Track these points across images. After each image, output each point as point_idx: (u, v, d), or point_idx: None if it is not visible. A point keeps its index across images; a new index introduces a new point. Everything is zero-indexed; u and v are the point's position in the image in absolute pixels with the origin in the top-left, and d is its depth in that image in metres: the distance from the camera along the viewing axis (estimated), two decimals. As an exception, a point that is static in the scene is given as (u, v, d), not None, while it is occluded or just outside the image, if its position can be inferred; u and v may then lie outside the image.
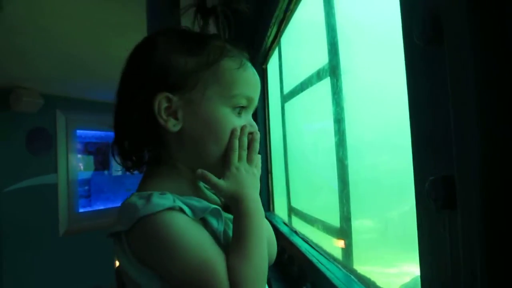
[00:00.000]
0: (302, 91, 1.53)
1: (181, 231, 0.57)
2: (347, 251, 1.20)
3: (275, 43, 2.03)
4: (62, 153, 4.75)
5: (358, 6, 1.21)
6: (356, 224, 1.18)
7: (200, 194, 0.70)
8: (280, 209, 2.11)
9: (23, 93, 3.97)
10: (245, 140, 0.68)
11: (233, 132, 0.67)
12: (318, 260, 1.27)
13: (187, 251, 0.57)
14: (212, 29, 0.73)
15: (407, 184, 0.58)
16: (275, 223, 1.87)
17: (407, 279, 0.98)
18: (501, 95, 0.40)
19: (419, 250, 0.55)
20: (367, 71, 1.15)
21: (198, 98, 0.65)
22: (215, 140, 0.66)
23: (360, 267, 1.11)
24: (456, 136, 0.43)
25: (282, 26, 1.81)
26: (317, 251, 1.38)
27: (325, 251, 1.34)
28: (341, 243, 1.24)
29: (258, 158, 0.71)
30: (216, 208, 0.62)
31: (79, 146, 5.14)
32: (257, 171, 0.70)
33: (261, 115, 2.28)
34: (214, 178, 0.65)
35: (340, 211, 1.23)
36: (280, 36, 1.90)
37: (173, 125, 0.65)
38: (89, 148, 5.38)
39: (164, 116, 0.64)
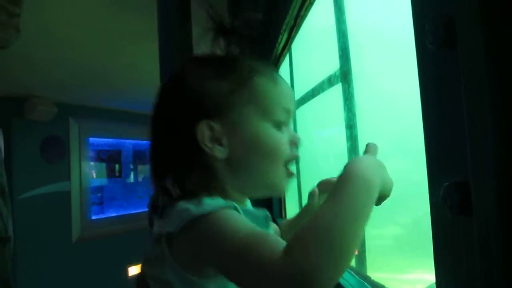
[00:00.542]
0: (313, 97, 1.52)
1: (237, 224, 0.55)
2: (360, 257, 1.19)
3: (286, 50, 2.03)
4: (75, 160, 4.80)
5: (369, 11, 1.20)
6: (369, 230, 1.17)
7: None
8: (292, 215, 2.10)
9: (37, 101, 4.03)
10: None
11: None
12: (331, 267, 1.26)
13: (242, 230, 0.53)
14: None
15: (421, 190, 0.57)
16: (287, 229, 1.86)
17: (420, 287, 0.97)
18: (516, 99, 0.40)
19: (434, 257, 0.54)
20: (379, 77, 1.15)
21: (238, 120, 0.64)
22: (265, 158, 0.65)
23: (374, 274, 1.10)
24: (471, 141, 0.43)
25: (293, 33, 1.81)
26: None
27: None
28: (354, 250, 1.23)
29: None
30: (267, 215, 0.61)
31: (91, 153, 5.19)
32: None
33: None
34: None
35: (353, 217, 1.22)
36: (291, 42, 1.90)
37: (219, 152, 0.64)
38: (102, 156, 5.43)
39: (209, 144, 0.63)
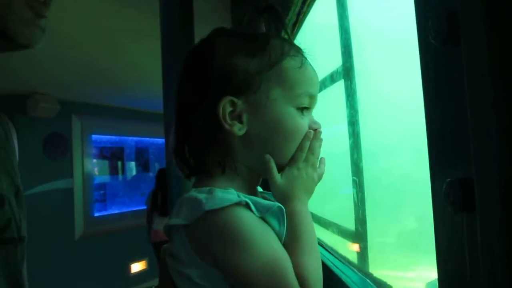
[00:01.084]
0: (315, 94, 1.51)
1: (250, 228, 0.57)
2: (363, 254, 1.19)
3: (288, 46, 2.02)
4: (77, 158, 4.82)
5: (371, 8, 1.20)
6: (372, 227, 1.17)
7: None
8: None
9: (40, 98, 4.05)
10: (316, 145, 0.68)
11: (307, 134, 0.66)
12: (333, 264, 1.26)
13: (258, 248, 0.56)
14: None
15: (424, 186, 0.57)
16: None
17: (419, 285, 0.97)
18: (520, 95, 0.39)
19: (437, 254, 0.54)
20: (382, 73, 1.15)
21: (262, 100, 0.64)
22: (283, 141, 0.66)
23: (376, 271, 1.10)
24: (474, 137, 0.43)
25: (295, 29, 1.81)
26: (332, 254, 1.37)
27: (340, 255, 1.33)
28: (356, 247, 1.23)
29: (322, 165, 0.70)
30: (280, 207, 0.61)
31: (94, 150, 5.20)
32: (317, 178, 0.69)
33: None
34: (274, 169, 0.65)
35: (355, 214, 1.22)
36: (293, 39, 1.89)
37: (238, 129, 0.64)
38: (104, 153, 5.45)
39: (229, 121, 0.63)
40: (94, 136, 5.14)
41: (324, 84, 1.42)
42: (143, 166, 6.09)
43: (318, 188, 0.69)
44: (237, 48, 0.65)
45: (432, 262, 0.55)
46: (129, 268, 5.34)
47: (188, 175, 0.71)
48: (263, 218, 0.60)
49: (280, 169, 0.66)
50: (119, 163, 5.69)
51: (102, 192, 5.33)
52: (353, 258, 1.24)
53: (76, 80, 3.76)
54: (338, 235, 1.41)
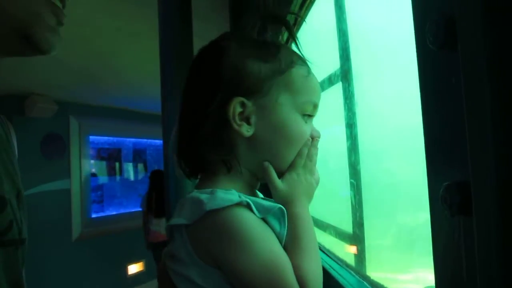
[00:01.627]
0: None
1: (250, 228, 0.57)
2: (360, 257, 1.19)
3: (286, 48, 2.02)
4: (75, 158, 4.81)
5: (370, 11, 1.20)
6: (369, 229, 1.17)
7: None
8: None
9: (37, 99, 4.04)
10: (314, 153, 0.70)
11: (306, 141, 0.69)
12: (330, 266, 1.27)
13: (257, 249, 0.57)
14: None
15: (421, 189, 0.57)
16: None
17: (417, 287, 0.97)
18: (516, 100, 0.40)
19: (434, 256, 0.54)
20: (380, 76, 1.15)
21: (271, 104, 0.66)
22: (287, 145, 0.67)
23: (373, 274, 1.10)
24: (471, 141, 0.43)
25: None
26: (329, 257, 1.37)
27: (337, 257, 1.33)
28: (353, 249, 1.23)
29: (317, 172, 0.72)
30: (281, 208, 0.62)
31: (92, 151, 5.19)
32: (315, 183, 0.71)
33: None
34: (274, 175, 0.67)
35: (353, 216, 1.22)
36: (290, 44, 1.90)
37: (246, 130, 0.65)
38: (102, 154, 5.44)
39: (238, 121, 0.64)
40: (91, 137, 5.13)
41: (322, 86, 1.42)
42: (141, 167, 6.08)
43: (316, 190, 0.70)
44: (250, 52, 0.67)
45: (429, 264, 0.56)
46: (126, 270, 5.32)
47: (189, 174, 0.73)
48: (264, 219, 0.60)
49: (279, 175, 0.68)
50: (117, 164, 5.68)
51: (99, 193, 5.32)
52: (351, 260, 1.24)
53: (73, 80, 3.76)
54: (336, 237, 1.41)
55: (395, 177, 1.13)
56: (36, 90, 4.01)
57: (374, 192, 1.17)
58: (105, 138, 5.41)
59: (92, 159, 5.21)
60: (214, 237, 0.58)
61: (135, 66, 3.37)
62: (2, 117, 0.79)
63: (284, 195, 0.66)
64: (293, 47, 0.73)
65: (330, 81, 1.37)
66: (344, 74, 1.24)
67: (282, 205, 0.64)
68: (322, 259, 1.33)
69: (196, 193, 0.63)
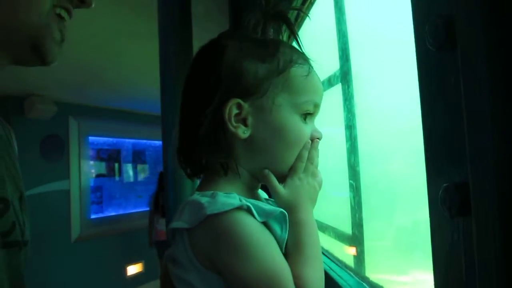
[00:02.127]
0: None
1: (250, 234, 0.56)
2: (359, 258, 1.19)
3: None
4: (74, 159, 4.81)
5: (369, 12, 1.20)
6: (369, 231, 1.17)
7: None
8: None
9: (37, 100, 4.04)
10: (315, 155, 0.68)
11: (305, 144, 0.67)
12: (329, 267, 1.26)
13: (256, 255, 0.56)
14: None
15: (420, 190, 0.57)
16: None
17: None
18: (515, 101, 0.40)
19: (433, 258, 0.54)
20: (379, 77, 1.15)
21: (268, 105, 0.64)
22: (286, 147, 0.66)
23: (373, 275, 1.10)
24: (470, 143, 0.43)
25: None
26: (328, 258, 1.37)
27: (336, 258, 1.33)
28: (353, 250, 1.23)
29: (320, 174, 0.71)
30: (283, 212, 0.61)
31: (91, 152, 5.19)
32: (318, 186, 0.69)
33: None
34: (276, 182, 0.66)
35: (352, 217, 1.22)
36: (291, 42, 1.90)
37: (243, 132, 0.64)
38: (101, 155, 5.43)
39: (234, 123, 0.63)
40: (91, 138, 5.13)
41: (322, 87, 1.42)
42: (140, 168, 6.08)
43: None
44: (248, 52, 0.66)
45: (428, 266, 0.56)
46: (125, 271, 5.31)
47: (190, 175, 0.72)
48: (265, 223, 0.59)
49: (279, 179, 0.67)
50: (116, 165, 5.67)
51: (98, 194, 5.31)
52: (350, 261, 1.24)
53: (73, 81, 3.75)
54: (335, 238, 1.41)
55: (395, 178, 1.13)
56: (36, 91, 4.01)
57: (373, 194, 1.17)
58: (105, 139, 5.41)
59: (92, 160, 5.20)
60: (214, 242, 0.57)
61: (135, 67, 3.37)
62: (1, 119, 0.79)
63: (287, 202, 0.65)
64: (294, 44, 0.72)
65: (329, 82, 1.37)
66: (344, 76, 1.24)
67: (285, 211, 0.62)
68: (321, 260, 1.33)
69: (197, 196, 0.62)
